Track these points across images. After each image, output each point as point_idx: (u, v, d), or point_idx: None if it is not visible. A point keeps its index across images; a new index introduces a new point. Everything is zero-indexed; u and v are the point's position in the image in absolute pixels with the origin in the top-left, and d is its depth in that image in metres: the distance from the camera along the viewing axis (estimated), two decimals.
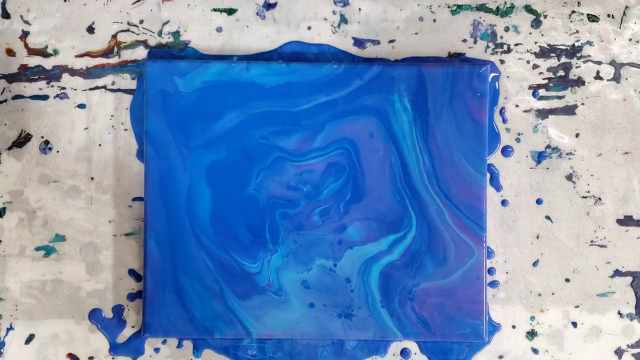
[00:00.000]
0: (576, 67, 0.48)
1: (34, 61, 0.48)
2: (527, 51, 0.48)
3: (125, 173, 0.48)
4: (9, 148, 0.48)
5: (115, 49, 0.48)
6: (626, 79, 0.48)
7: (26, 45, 0.48)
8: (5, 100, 0.48)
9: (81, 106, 0.48)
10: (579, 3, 0.48)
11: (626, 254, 0.48)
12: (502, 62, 0.48)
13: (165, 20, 0.48)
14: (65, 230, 0.48)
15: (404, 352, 0.48)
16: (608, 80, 0.48)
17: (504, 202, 0.48)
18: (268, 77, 0.47)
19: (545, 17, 0.48)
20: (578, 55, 0.48)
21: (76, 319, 0.48)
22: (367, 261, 0.46)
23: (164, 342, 0.48)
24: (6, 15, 0.48)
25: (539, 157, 0.48)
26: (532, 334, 0.48)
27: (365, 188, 0.47)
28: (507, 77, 0.48)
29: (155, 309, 0.46)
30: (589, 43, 0.48)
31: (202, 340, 0.48)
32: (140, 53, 0.48)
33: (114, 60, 0.48)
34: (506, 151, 0.48)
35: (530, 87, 0.48)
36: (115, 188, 0.48)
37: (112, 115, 0.48)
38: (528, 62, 0.48)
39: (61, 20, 0.48)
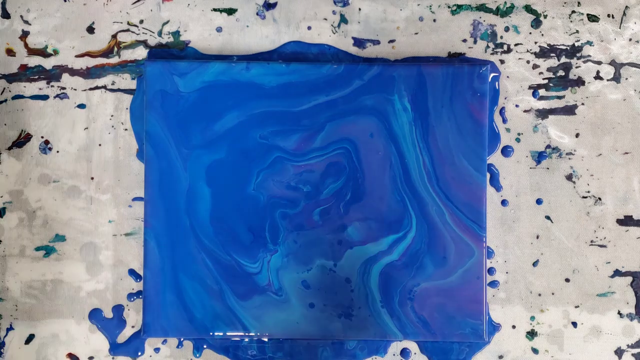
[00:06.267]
0: (576, 67, 0.48)
1: (34, 61, 0.48)
2: (527, 51, 0.48)
3: (125, 173, 0.48)
4: (9, 148, 0.48)
5: (115, 49, 0.48)
6: (626, 79, 0.48)
7: (26, 45, 0.48)
8: (5, 100, 0.48)
9: (81, 106, 0.48)
10: (579, 3, 0.48)
11: (626, 254, 0.48)
12: (502, 62, 0.48)
13: (165, 20, 0.48)
14: (65, 230, 0.48)
15: (404, 352, 0.48)
16: (608, 80, 0.48)
17: (504, 202, 0.48)
18: (268, 77, 0.47)
19: (545, 17, 0.48)
20: (578, 55, 0.48)
21: (76, 319, 0.48)
22: (367, 261, 0.46)
23: (164, 342, 0.48)
24: (6, 15, 0.48)
25: (539, 157, 0.48)
26: (532, 334, 0.48)
27: (365, 188, 0.47)
28: (507, 77, 0.48)
29: (155, 309, 0.46)
30: (589, 43, 0.48)
31: (202, 340, 0.48)
32: (140, 53, 0.48)
33: (114, 60, 0.48)
34: (506, 151, 0.48)
35: (530, 87, 0.48)
36: (115, 188, 0.48)
37: (112, 115, 0.48)
38: (528, 62, 0.48)
39: (61, 20, 0.48)
